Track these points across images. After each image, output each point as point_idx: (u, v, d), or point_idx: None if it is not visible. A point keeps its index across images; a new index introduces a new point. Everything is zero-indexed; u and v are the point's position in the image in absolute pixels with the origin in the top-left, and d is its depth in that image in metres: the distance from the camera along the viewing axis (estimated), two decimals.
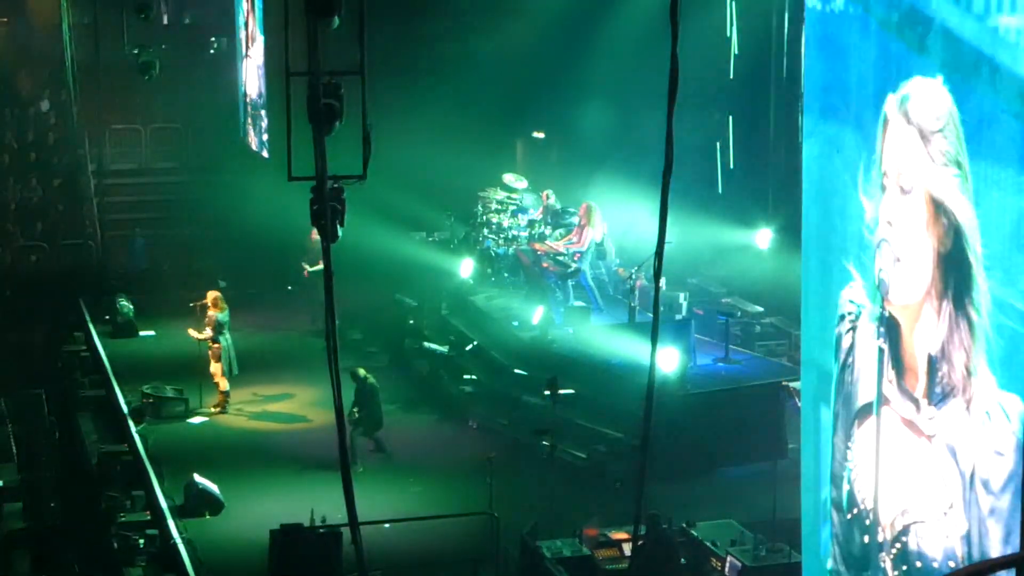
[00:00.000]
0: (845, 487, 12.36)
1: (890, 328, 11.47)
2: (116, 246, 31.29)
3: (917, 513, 11.13)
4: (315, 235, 20.80)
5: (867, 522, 12.03)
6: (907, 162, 10.81)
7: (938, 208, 10.38)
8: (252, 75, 31.42)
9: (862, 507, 12.18)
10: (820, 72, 12.38)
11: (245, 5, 31.89)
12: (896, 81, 10.88)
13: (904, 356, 11.27)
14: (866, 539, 11.97)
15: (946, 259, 10.36)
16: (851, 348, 12.38)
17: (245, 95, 32.45)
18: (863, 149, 11.63)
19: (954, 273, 10.34)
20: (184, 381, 21.78)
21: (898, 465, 11.50)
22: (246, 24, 31.86)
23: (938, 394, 10.71)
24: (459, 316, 24.12)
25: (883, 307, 11.42)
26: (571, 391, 19.61)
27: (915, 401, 11.05)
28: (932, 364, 10.76)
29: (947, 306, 10.49)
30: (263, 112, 30.40)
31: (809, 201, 12.59)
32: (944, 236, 10.37)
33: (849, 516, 12.30)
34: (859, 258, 11.91)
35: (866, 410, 12.21)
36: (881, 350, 11.67)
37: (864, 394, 12.17)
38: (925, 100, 10.59)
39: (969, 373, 10.23)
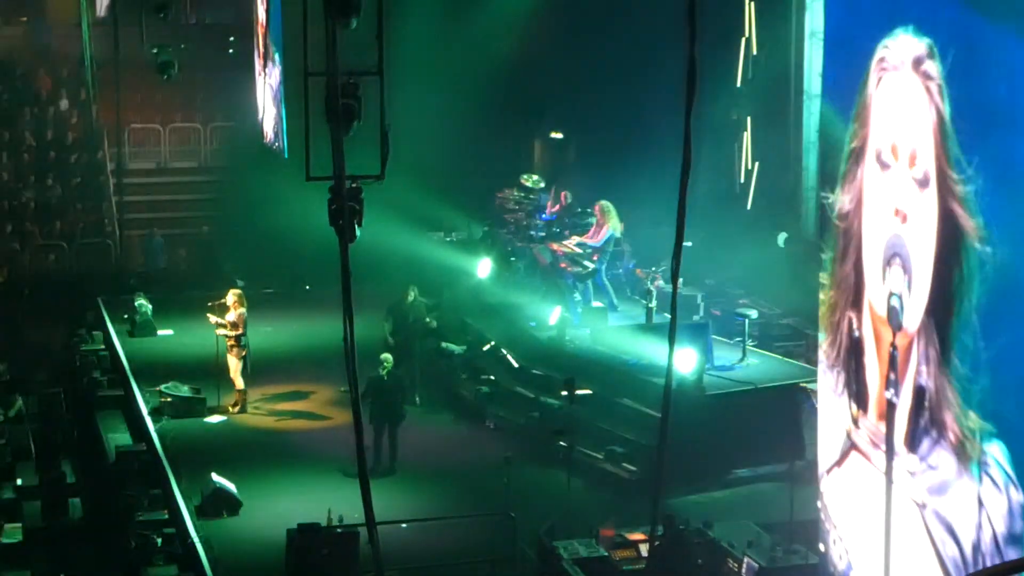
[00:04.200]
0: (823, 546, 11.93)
1: (857, 354, 10.87)
2: (135, 245, 31.37)
3: None
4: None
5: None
6: (921, 140, 9.80)
7: (949, 219, 9.50)
8: (268, 98, 31.32)
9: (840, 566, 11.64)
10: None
11: (260, 20, 31.85)
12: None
13: (872, 391, 10.65)
14: None
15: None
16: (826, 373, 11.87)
17: (262, 122, 32.45)
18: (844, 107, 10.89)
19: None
20: (202, 380, 21.81)
21: (868, 520, 10.88)
22: (261, 39, 31.88)
23: (920, 439, 10.05)
24: (476, 316, 24.12)
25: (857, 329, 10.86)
26: (588, 391, 19.64)
27: (891, 449, 10.38)
28: (916, 402, 10.08)
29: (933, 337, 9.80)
30: (282, 120, 30.45)
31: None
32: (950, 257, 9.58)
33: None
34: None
35: (835, 455, 11.68)
36: (850, 380, 11.05)
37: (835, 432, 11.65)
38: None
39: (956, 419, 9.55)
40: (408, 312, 22.09)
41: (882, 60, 10.32)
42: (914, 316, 10.01)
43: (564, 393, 18.91)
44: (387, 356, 19.70)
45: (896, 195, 10.13)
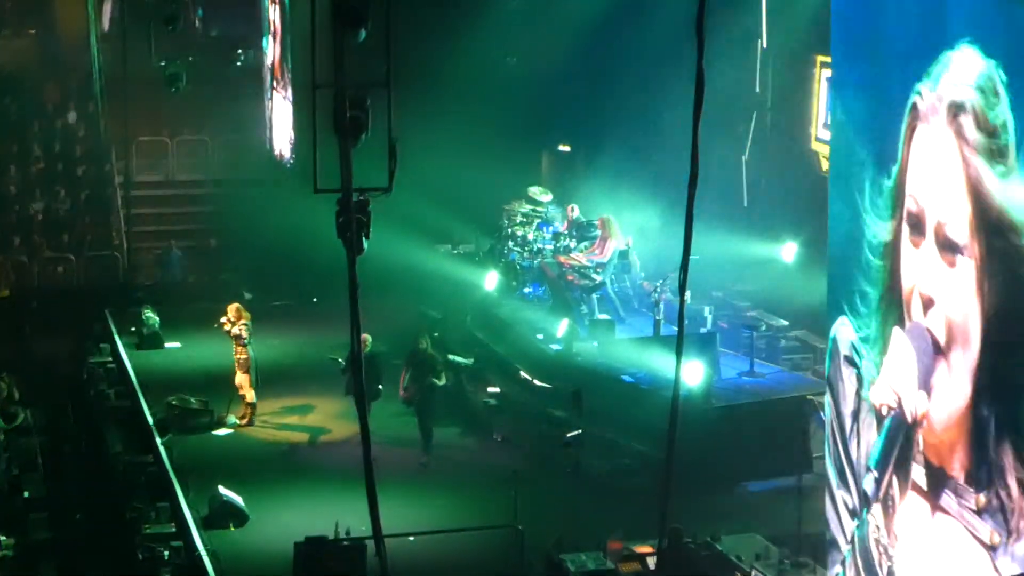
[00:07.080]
0: None
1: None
2: (142, 258, 31.37)
3: None
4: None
5: None
6: (953, 205, 9.37)
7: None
8: (276, 110, 31.33)
9: None
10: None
11: (272, 31, 31.91)
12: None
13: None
14: None
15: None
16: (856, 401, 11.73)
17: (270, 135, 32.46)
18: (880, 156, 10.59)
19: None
20: (210, 393, 21.80)
21: None
22: (271, 52, 31.93)
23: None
24: (484, 329, 24.11)
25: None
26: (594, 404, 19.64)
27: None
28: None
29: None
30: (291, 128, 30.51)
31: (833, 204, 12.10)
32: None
33: None
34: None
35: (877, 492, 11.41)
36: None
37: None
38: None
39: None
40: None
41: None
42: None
43: (572, 405, 18.88)
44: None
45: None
